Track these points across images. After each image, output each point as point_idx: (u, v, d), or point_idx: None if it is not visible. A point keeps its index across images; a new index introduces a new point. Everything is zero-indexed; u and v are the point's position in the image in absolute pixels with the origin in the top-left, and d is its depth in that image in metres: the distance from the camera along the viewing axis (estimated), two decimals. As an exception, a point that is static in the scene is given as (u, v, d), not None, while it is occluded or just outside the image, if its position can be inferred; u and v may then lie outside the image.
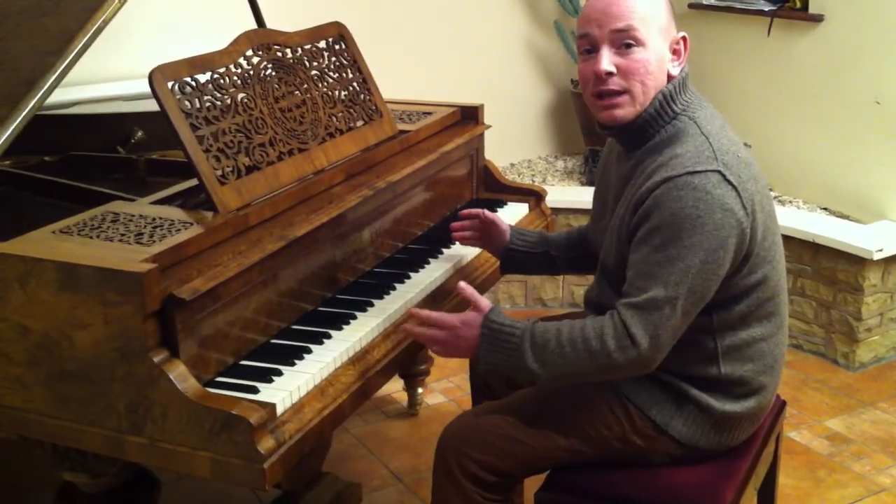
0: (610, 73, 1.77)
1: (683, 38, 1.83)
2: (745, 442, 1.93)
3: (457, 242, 2.37)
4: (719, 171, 1.68)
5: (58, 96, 1.92)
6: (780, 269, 1.85)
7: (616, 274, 1.80)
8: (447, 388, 3.31)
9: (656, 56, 1.77)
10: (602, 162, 2.05)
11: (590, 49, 1.80)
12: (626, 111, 1.79)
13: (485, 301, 1.85)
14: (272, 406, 1.63)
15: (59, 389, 1.69)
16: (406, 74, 3.74)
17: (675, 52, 1.81)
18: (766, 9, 3.93)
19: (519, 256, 2.21)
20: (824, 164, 3.84)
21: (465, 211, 2.27)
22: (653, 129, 1.79)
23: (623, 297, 1.73)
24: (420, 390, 3.10)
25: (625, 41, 1.76)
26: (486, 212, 2.23)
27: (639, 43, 1.76)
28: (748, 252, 1.73)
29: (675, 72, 1.80)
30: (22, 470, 2.59)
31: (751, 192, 1.72)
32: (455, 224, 2.28)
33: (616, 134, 1.85)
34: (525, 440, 1.82)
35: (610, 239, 1.84)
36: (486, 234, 2.24)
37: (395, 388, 3.15)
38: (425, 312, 1.85)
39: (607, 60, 1.77)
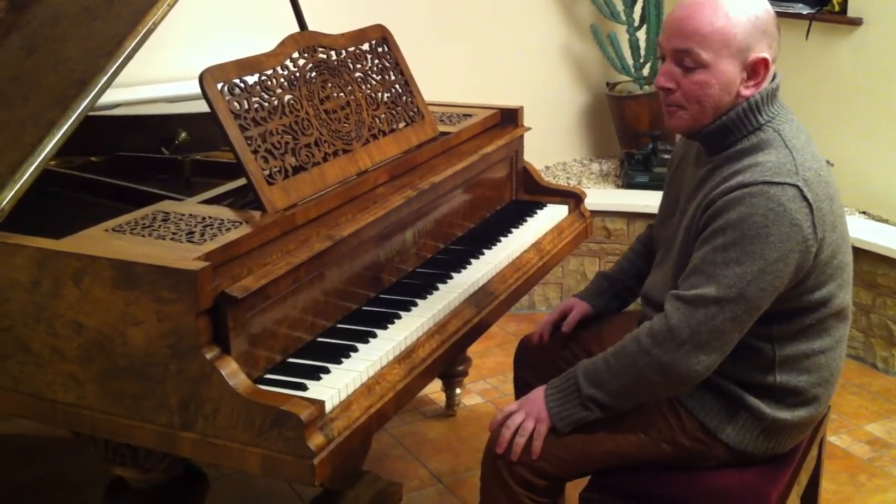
0: (666, 89, 1.78)
1: (763, 61, 1.74)
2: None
3: (499, 243, 2.39)
4: (797, 186, 1.67)
5: (103, 98, 1.95)
6: (847, 287, 1.83)
7: (681, 273, 1.79)
8: (484, 389, 3.32)
9: (721, 78, 1.73)
10: (675, 160, 2.03)
11: (662, 57, 1.80)
12: (682, 123, 1.81)
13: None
14: (321, 403, 1.65)
15: (113, 386, 1.71)
16: (447, 77, 3.76)
17: (753, 72, 1.74)
18: (805, 12, 3.91)
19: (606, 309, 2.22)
20: (864, 169, 3.81)
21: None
22: (734, 135, 1.77)
23: (674, 289, 1.75)
24: (458, 391, 3.11)
25: (685, 61, 1.74)
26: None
27: (700, 65, 1.72)
28: (811, 270, 1.72)
29: (748, 93, 1.75)
30: (73, 465, 2.65)
31: (824, 211, 1.70)
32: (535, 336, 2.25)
33: (696, 137, 1.83)
34: (576, 444, 1.82)
35: (680, 238, 1.84)
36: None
37: (432, 388, 3.16)
38: (494, 420, 1.88)
39: (665, 76, 1.77)
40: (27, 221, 1.83)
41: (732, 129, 1.77)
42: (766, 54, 1.74)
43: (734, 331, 1.70)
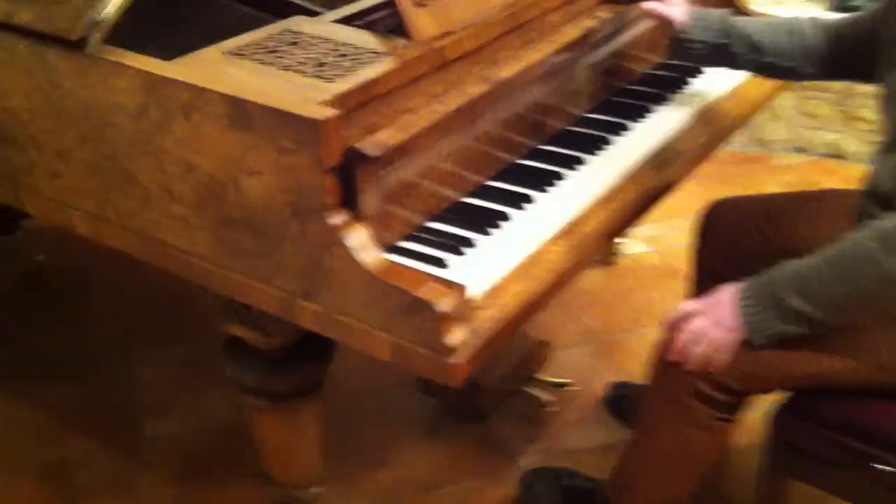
0: None
1: None
2: None
3: (688, 85, 2.00)
4: None
5: None
6: None
7: None
8: (650, 235, 2.95)
9: None
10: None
11: None
12: None
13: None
14: (464, 288, 1.37)
15: (227, 237, 1.48)
16: None
17: None
18: None
19: (693, 47, 1.80)
20: None
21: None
22: None
23: None
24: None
25: None
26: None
27: None
28: None
29: None
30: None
31: None
32: None
33: None
34: (770, 361, 1.49)
35: None
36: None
37: (589, 231, 2.85)
38: (670, 319, 1.55)
39: None
40: (140, 30, 1.57)
41: None
42: None
43: None
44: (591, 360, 2.43)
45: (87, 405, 2.36)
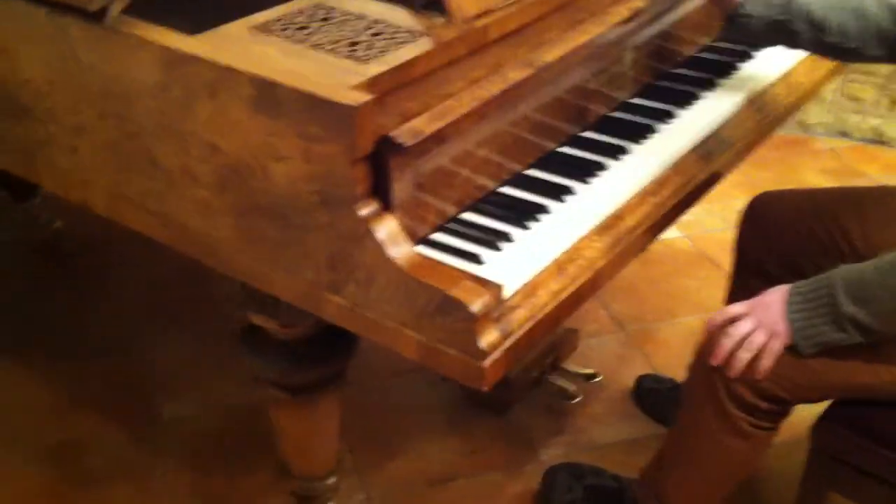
0: None
1: None
2: None
3: (736, 70, 1.90)
4: None
5: None
6: None
7: None
8: (684, 221, 2.84)
9: None
10: None
11: None
12: None
13: None
14: (499, 288, 1.29)
15: (251, 224, 1.41)
16: None
17: None
18: None
19: (750, 24, 1.69)
20: None
21: None
22: None
23: None
24: (651, 221, 2.70)
25: None
26: None
27: None
28: None
29: None
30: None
31: None
32: None
33: None
34: (818, 369, 1.42)
35: None
36: None
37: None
38: (713, 322, 1.47)
39: None
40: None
41: None
42: None
43: None
44: (622, 350, 2.35)
45: (100, 385, 2.28)
